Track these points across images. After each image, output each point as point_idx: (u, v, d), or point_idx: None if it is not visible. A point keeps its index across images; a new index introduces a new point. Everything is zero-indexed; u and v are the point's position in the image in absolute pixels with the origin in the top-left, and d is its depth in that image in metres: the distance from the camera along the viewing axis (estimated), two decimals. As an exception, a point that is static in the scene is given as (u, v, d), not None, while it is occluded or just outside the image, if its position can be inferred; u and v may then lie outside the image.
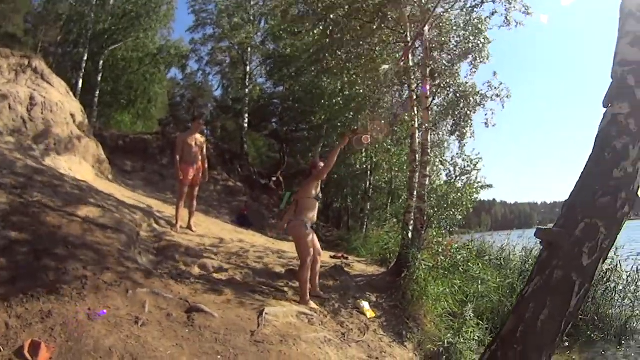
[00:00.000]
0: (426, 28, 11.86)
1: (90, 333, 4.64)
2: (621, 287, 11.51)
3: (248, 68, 33.79)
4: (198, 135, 11.68)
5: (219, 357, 5.05)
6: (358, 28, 13.13)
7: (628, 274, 11.81)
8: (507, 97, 12.62)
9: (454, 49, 12.63)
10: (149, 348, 4.75)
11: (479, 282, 11.06)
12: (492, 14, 12.44)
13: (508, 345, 4.59)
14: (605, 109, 4.85)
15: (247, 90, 33.44)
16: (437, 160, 18.16)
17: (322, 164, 8.47)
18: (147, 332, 5.03)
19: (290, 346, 5.90)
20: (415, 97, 12.41)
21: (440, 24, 13.14)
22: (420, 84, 12.01)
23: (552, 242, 4.66)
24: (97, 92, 29.70)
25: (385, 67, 13.57)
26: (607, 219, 4.52)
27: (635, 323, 10.86)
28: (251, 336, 5.79)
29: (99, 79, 29.96)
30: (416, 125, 12.13)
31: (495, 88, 12.52)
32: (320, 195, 8.28)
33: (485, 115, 12.66)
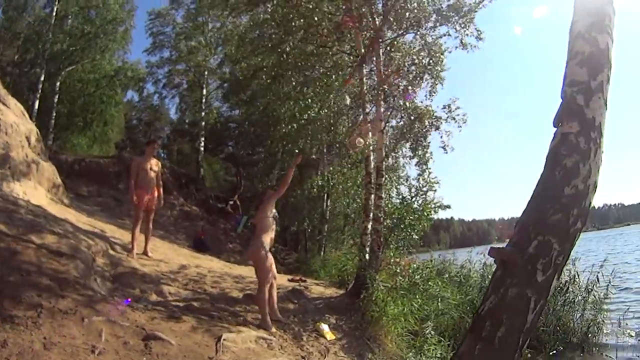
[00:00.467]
0: (380, 51, 11.98)
1: (46, 365, 4.56)
2: (580, 298, 11.69)
3: (205, 91, 34.23)
4: (154, 160, 11.67)
5: (177, 385, 5.01)
6: (313, 52, 13.24)
7: (585, 285, 12.00)
8: (464, 121, 12.81)
9: (410, 72, 12.79)
10: (106, 377, 4.67)
11: (439, 300, 11.12)
12: (445, 35, 12.68)
13: (467, 364, 4.62)
14: (555, 129, 4.94)
15: (203, 113, 33.90)
16: (393, 182, 18.32)
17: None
18: (104, 361, 4.95)
19: (249, 372, 5.84)
20: (368, 120, 12.50)
21: (393, 49, 13.28)
22: (374, 108, 12.13)
23: (505, 261, 4.71)
24: (54, 114, 29.58)
25: (348, 99, 13.67)
26: (560, 236, 4.58)
27: (597, 331, 11.08)
28: (209, 363, 5.70)
29: (56, 100, 29.86)
30: (371, 148, 12.19)
31: (450, 111, 12.72)
32: (277, 215, 8.35)
33: (441, 137, 12.83)
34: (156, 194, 11.59)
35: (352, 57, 12.94)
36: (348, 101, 13.09)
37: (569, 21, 5.15)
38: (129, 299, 5.20)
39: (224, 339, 6.51)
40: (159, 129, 48.39)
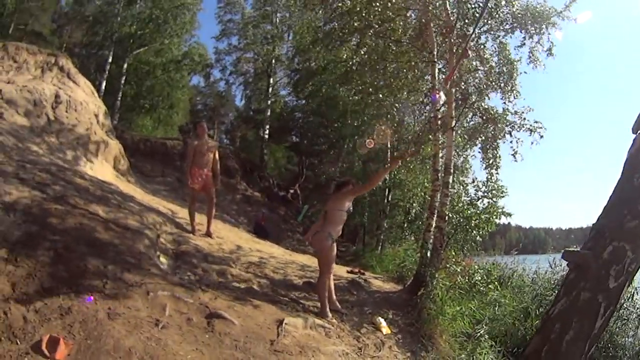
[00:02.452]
0: (454, 48, 11.85)
1: (110, 332, 4.62)
2: (635, 316, 11.39)
3: (272, 80, 34.12)
4: (209, 141, 11.71)
5: (239, 364, 5.00)
6: (388, 47, 13.16)
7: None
8: (540, 135, 12.54)
9: (485, 76, 12.63)
10: (169, 351, 4.73)
11: (497, 304, 10.96)
12: (521, 45, 12.48)
13: (532, 365, 4.54)
14: (634, 135, 4.79)
15: (269, 102, 33.83)
16: (461, 182, 18.13)
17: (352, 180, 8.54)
18: (168, 335, 5.01)
19: (309, 357, 5.88)
20: (439, 117, 12.36)
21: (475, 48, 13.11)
22: (446, 105, 11.96)
23: (579, 264, 4.62)
24: (120, 95, 30.11)
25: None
26: (635, 243, 4.48)
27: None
28: (271, 345, 5.76)
29: (122, 82, 30.42)
30: (440, 146, 12.07)
31: (525, 119, 12.47)
32: (351, 209, 8.26)
33: (511, 145, 12.59)
34: (211, 174, 11.59)
35: (424, 54, 12.78)
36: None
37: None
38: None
39: (285, 323, 6.54)
40: (224, 115, 48.89)
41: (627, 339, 10.81)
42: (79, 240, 6.47)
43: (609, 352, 10.33)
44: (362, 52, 13.56)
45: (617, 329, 10.83)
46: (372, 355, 7.26)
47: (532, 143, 12.59)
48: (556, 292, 5.37)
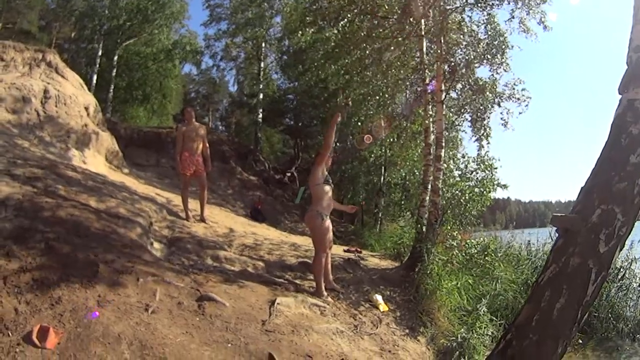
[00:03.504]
0: (443, 23, 11.84)
1: (99, 319, 4.63)
2: (635, 285, 11.38)
3: (262, 64, 34.15)
4: (197, 125, 11.70)
5: (229, 345, 5.02)
6: (373, 24, 13.15)
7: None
8: (526, 103, 12.56)
9: (472, 48, 12.59)
10: (159, 335, 4.73)
11: (495, 278, 10.98)
12: (511, 18, 12.40)
13: (523, 334, 4.53)
14: (620, 96, 4.78)
15: (261, 85, 33.81)
16: (451, 157, 18.15)
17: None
18: (157, 320, 5.01)
19: (301, 336, 5.88)
20: (429, 91, 12.35)
21: (458, 19, 13.08)
22: (434, 79, 11.95)
23: (568, 229, 4.59)
24: (112, 88, 30.18)
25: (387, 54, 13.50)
26: (625, 205, 4.46)
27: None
28: (262, 325, 5.77)
29: (114, 74, 30.46)
30: (430, 119, 12.08)
31: (513, 88, 12.49)
32: (329, 178, 8.20)
33: (502, 116, 12.60)
34: (202, 159, 11.60)
35: (410, 26, 12.76)
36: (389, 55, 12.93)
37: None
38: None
39: (277, 303, 6.56)
40: (218, 101, 48.99)
41: (627, 309, 10.87)
42: (69, 232, 6.50)
43: (610, 323, 10.40)
44: (346, 30, 13.55)
45: (618, 300, 10.89)
46: (369, 332, 7.28)
47: (520, 113, 12.66)
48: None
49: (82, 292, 5.05)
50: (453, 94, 13.94)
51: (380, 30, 13.24)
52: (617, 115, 4.73)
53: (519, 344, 4.52)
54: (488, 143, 13.92)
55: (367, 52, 13.79)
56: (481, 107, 12.96)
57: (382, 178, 24.36)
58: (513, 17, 12.36)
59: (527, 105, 12.67)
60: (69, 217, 7.05)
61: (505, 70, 12.74)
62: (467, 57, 12.62)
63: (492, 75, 12.89)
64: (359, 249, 14.31)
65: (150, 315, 5.03)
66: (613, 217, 4.42)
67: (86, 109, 14.40)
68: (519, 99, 12.54)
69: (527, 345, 4.45)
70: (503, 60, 12.50)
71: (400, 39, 12.99)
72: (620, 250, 4.73)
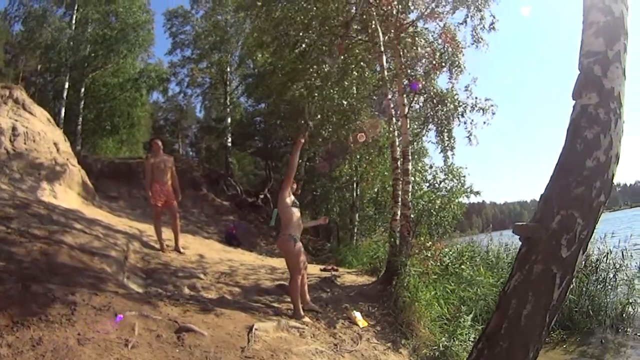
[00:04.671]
0: (400, 36, 11.99)
1: (80, 358, 4.63)
2: (612, 275, 11.53)
3: (228, 88, 34.17)
4: (165, 157, 11.77)
5: (209, 374, 5.07)
6: (332, 42, 13.28)
7: (613, 263, 11.86)
8: (492, 112, 12.69)
9: (429, 58, 12.75)
10: (140, 370, 4.74)
11: (473, 284, 11.08)
12: (462, 23, 12.59)
13: (494, 342, 4.62)
14: (574, 101, 4.92)
15: (228, 109, 33.93)
16: (418, 168, 18.25)
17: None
18: (138, 354, 5.03)
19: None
20: (392, 105, 12.48)
21: (415, 33, 13.25)
22: (397, 93, 12.09)
23: (529, 237, 4.70)
24: (80, 120, 29.90)
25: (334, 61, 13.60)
26: (583, 210, 4.56)
27: (632, 310, 10.89)
28: (242, 352, 5.79)
29: (82, 106, 30.22)
30: (396, 134, 12.20)
31: (476, 98, 12.63)
32: (296, 202, 8.36)
33: (466, 128, 12.72)
34: (172, 189, 11.65)
35: (369, 44, 12.90)
36: (336, 65, 13.03)
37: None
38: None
39: (255, 329, 6.56)
40: (187, 128, 48.85)
41: (608, 299, 11.01)
42: (45, 271, 6.52)
43: (592, 315, 10.54)
44: (306, 52, 13.68)
45: (597, 292, 11.04)
46: (349, 349, 7.35)
47: (484, 122, 12.78)
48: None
49: (62, 331, 5.06)
50: (417, 107, 14.07)
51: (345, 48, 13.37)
52: (571, 121, 4.85)
53: (490, 353, 4.61)
54: (453, 154, 14.04)
55: (327, 69, 13.92)
56: (444, 119, 13.06)
57: (354, 193, 24.44)
58: (466, 22, 12.56)
59: (493, 114, 12.77)
60: (44, 256, 7.08)
61: (460, 73, 12.92)
62: (426, 69, 12.79)
63: (450, 82, 13.07)
64: (335, 267, 14.41)
65: (131, 350, 5.04)
66: (573, 222, 4.53)
67: (55, 144, 14.34)
68: (483, 109, 12.64)
69: (497, 353, 4.54)
70: (458, 64, 12.69)
71: (360, 56, 13.14)
72: (584, 252, 4.83)
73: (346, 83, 13.98)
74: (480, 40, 12.72)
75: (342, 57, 13.31)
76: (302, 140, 8.72)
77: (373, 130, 15.91)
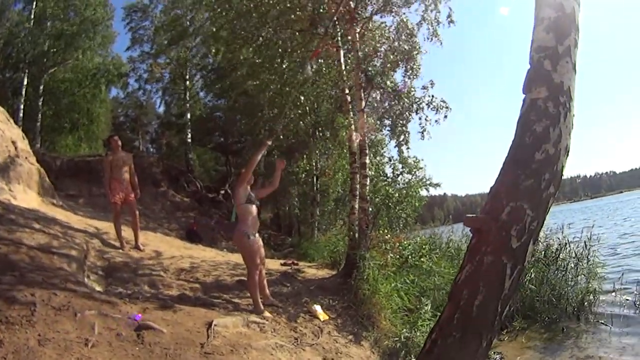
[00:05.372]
0: (356, 31, 12.03)
1: (41, 358, 4.64)
2: (572, 265, 11.69)
3: (188, 83, 34.11)
4: (124, 154, 11.77)
5: (169, 371, 5.09)
6: (289, 39, 13.30)
7: (574, 252, 12.04)
8: (446, 111, 12.82)
9: (387, 54, 12.80)
10: (100, 368, 4.75)
11: (434, 275, 11.18)
12: (419, 23, 12.65)
13: (447, 333, 4.69)
14: (524, 95, 5.01)
15: (188, 105, 33.87)
16: (375, 161, 18.31)
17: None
18: (98, 353, 5.04)
19: (240, 355, 5.97)
20: (349, 100, 12.56)
21: (372, 27, 13.32)
22: (354, 88, 12.14)
23: (479, 228, 4.77)
24: (40, 117, 29.56)
25: (310, 70, 13.61)
26: (533, 201, 4.64)
27: (593, 299, 11.01)
28: (201, 348, 5.82)
29: (40, 103, 29.92)
30: (352, 128, 12.29)
31: (432, 97, 12.74)
32: (252, 198, 8.35)
33: (421, 123, 12.81)
34: (131, 186, 11.67)
35: (327, 39, 12.92)
36: (310, 72, 13.01)
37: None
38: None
39: (215, 325, 6.59)
40: (147, 124, 48.36)
41: (568, 289, 11.17)
42: (4, 271, 6.47)
43: (554, 304, 10.67)
44: (262, 48, 13.71)
45: (557, 281, 11.18)
46: (311, 343, 7.42)
47: (435, 121, 12.90)
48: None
49: (22, 332, 5.05)
50: (373, 101, 14.13)
51: (298, 44, 13.41)
52: (521, 115, 4.93)
53: (443, 343, 4.69)
54: (408, 148, 14.14)
55: (284, 66, 13.95)
56: (399, 114, 13.15)
57: (314, 188, 24.52)
58: (424, 19, 12.62)
59: (445, 116, 12.91)
60: (2, 256, 7.04)
61: (415, 76, 13.03)
62: (382, 65, 12.84)
63: (405, 79, 13.16)
64: (295, 262, 14.52)
65: (91, 350, 5.05)
66: (522, 213, 4.61)
67: (13, 142, 14.11)
68: (436, 107, 12.76)
69: (451, 343, 4.62)
70: (414, 63, 12.78)
71: (317, 50, 13.18)
72: (534, 243, 4.92)
73: (300, 77, 13.97)
74: (436, 36, 12.78)
75: (313, 61, 13.29)
76: (268, 143, 8.81)
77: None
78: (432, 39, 12.88)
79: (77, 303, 6.08)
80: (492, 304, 4.60)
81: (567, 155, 4.90)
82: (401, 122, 13.48)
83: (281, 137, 18.78)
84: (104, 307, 6.27)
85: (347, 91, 12.56)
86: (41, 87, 30.33)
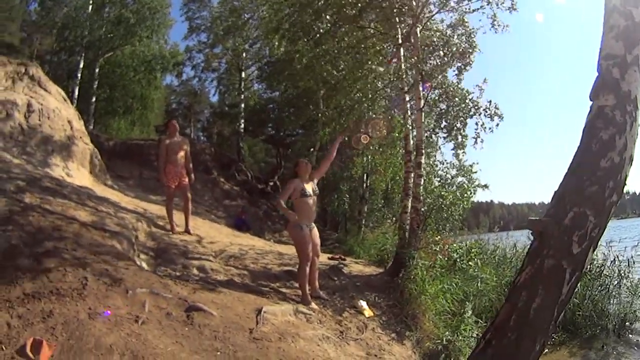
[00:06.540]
0: (417, 29, 11.92)
1: (91, 331, 4.66)
2: (616, 282, 11.51)
3: (243, 74, 34.16)
4: (180, 139, 11.84)
5: (218, 353, 5.09)
6: (348, 34, 13.24)
7: (618, 269, 11.82)
8: (500, 117, 12.59)
9: (445, 51, 12.67)
10: (149, 345, 4.77)
11: (478, 280, 11.09)
12: (479, 9, 12.43)
13: (502, 334, 4.65)
14: (591, 102, 4.95)
15: (242, 96, 33.86)
16: (430, 162, 18.18)
17: (303, 160, 8.62)
18: (147, 331, 5.06)
19: (288, 343, 5.95)
20: (408, 98, 12.47)
21: (430, 26, 13.21)
22: (413, 87, 12.04)
23: (542, 232, 4.72)
24: (94, 100, 30.01)
25: (380, 69, 13.56)
26: (596, 208, 4.60)
27: (634, 318, 10.84)
28: (250, 334, 5.83)
29: (95, 86, 30.33)
30: (410, 127, 12.20)
31: (489, 102, 12.54)
32: (309, 192, 8.30)
33: (476, 129, 12.60)
34: (185, 171, 11.70)
35: (387, 36, 12.84)
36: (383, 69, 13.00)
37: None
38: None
39: (264, 312, 6.61)
40: (199, 112, 48.74)
41: (611, 305, 11.00)
42: (57, 245, 6.54)
43: (593, 321, 10.51)
44: (323, 41, 13.66)
45: (600, 298, 11.01)
46: (355, 337, 7.39)
47: (490, 129, 12.66)
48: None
49: (72, 305, 5.09)
50: (430, 101, 14.02)
51: (360, 40, 13.33)
52: (588, 121, 4.88)
53: (499, 343, 4.64)
54: (464, 153, 13.92)
55: (346, 63, 13.91)
56: (458, 116, 12.98)
57: (364, 185, 24.40)
58: (482, 8, 12.41)
59: (497, 125, 12.67)
60: (55, 231, 7.11)
61: (466, 69, 12.85)
62: (440, 62, 12.72)
63: (457, 77, 13.03)
64: (342, 257, 14.35)
65: (141, 326, 5.07)
66: (585, 219, 4.56)
67: (69, 122, 14.36)
68: (491, 115, 12.55)
69: (506, 344, 4.58)
70: (469, 60, 12.60)
71: (378, 48, 13.08)
72: (594, 250, 4.86)
73: (359, 73, 13.90)
74: (498, 24, 12.53)
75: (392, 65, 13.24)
76: (343, 135, 8.84)
77: (379, 130, 15.86)
78: (495, 29, 12.59)
79: (128, 280, 6.14)
80: (549, 308, 4.55)
81: (631, 164, 4.84)
82: (457, 125, 13.24)
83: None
84: (155, 286, 6.31)
85: (405, 89, 12.44)
86: (96, 71, 30.73)
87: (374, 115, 16.02)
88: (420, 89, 11.72)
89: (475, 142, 12.69)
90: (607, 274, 11.67)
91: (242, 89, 34.68)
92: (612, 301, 11.15)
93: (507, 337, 4.60)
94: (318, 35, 13.69)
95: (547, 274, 4.57)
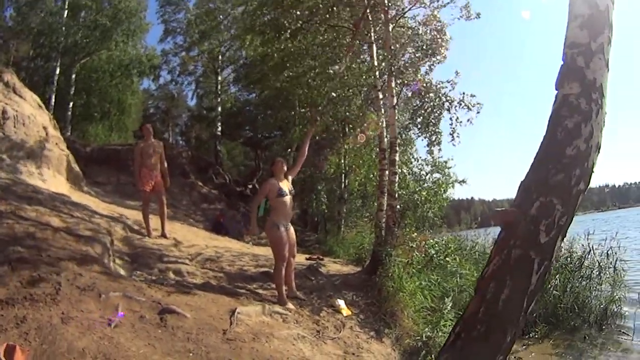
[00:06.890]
0: (390, 26, 11.98)
1: (64, 336, 4.65)
2: (596, 273, 11.57)
3: (220, 76, 34.23)
4: (155, 142, 11.81)
5: (191, 354, 5.09)
6: (320, 33, 13.29)
7: (598, 261, 11.87)
8: (478, 107, 12.56)
9: (417, 46, 12.70)
10: (122, 348, 4.77)
11: (458, 276, 11.14)
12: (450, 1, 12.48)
13: (471, 326, 4.67)
14: (556, 91, 5.00)
15: (219, 99, 33.98)
16: (404, 160, 18.23)
17: (279, 160, 8.67)
18: (120, 334, 5.06)
19: (262, 343, 5.97)
20: (381, 96, 12.50)
21: (403, 22, 13.26)
22: (385, 84, 12.08)
23: (508, 222, 4.76)
24: (71, 106, 29.86)
25: (335, 67, 13.60)
26: (562, 196, 4.63)
27: (616, 309, 10.82)
28: (223, 334, 5.84)
29: (72, 92, 30.17)
30: (384, 124, 12.26)
31: (463, 94, 12.53)
32: (286, 191, 8.34)
33: (451, 124, 12.57)
34: (160, 174, 11.69)
35: (360, 34, 12.87)
36: (338, 68, 13.00)
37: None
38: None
39: (238, 312, 6.62)
40: (177, 116, 48.62)
41: (591, 297, 11.06)
42: (31, 252, 6.52)
43: (576, 312, 10.56)
44: (301, 41, 13.69)
45: (581, 289, 11.07)
46: (332, 336, 7.42)
47: (468, 120, 12.65)
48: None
49: (46, 310, 5.08)
50: (405, 98, 14.05)
51: (332, 39, 13.38)
52: (553, 110, 4.93)
53: (468, 336, 4.67)
54: (439, 149, 13.89)
55: (319, 62, 13.95)
56: (431, 112, 12.94)
57: (342, 185, 24.42)
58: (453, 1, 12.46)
59: (478, 112, 12.62)
60: (30, 237, 7.09)
61: (439, 62, 12.85)
62: (411, 58, 12.75)
63: (430, 71, 13.02)
64: (320, 257, 14.42)
65: (113, 330, 5.07)
66: (552, 208, 4.59)
67: (44, 128, 14.29)
68: (468, 105, 12.51)
69: (475, 337, 4.60)
70: (439, 53, 12.60)
71: (352, 46, 13.12)
72: (562, 239, 4.90)
73: (331, 71, 13.93)
74: (469, 13, 12.51)
75: (347, 58, 13.23)
76: (313, 130, 8.85)
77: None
78: (467, 17, 12.58)
79: (101, 284, 6.14)
80: (518, 299, 4.58)
81: (598, 152, 4.89)
82: (432, 120, 13.20)
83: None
84: (128, 290, 6.31)
85: (378, 87, 12.47)
86: (73, 77, 30.55)
87: (347, 114, 16.08)
88: (392, 84, 11.77)
89: (453, 139, 12.70)
90: (588, 265, 11.73)
91: (219, 92, 34.82)
92: (593, 293, 11.20)
93: (476, 330, 4.62)
94: (289, 32, 13.68)
95: (515, 265, 4.60)
